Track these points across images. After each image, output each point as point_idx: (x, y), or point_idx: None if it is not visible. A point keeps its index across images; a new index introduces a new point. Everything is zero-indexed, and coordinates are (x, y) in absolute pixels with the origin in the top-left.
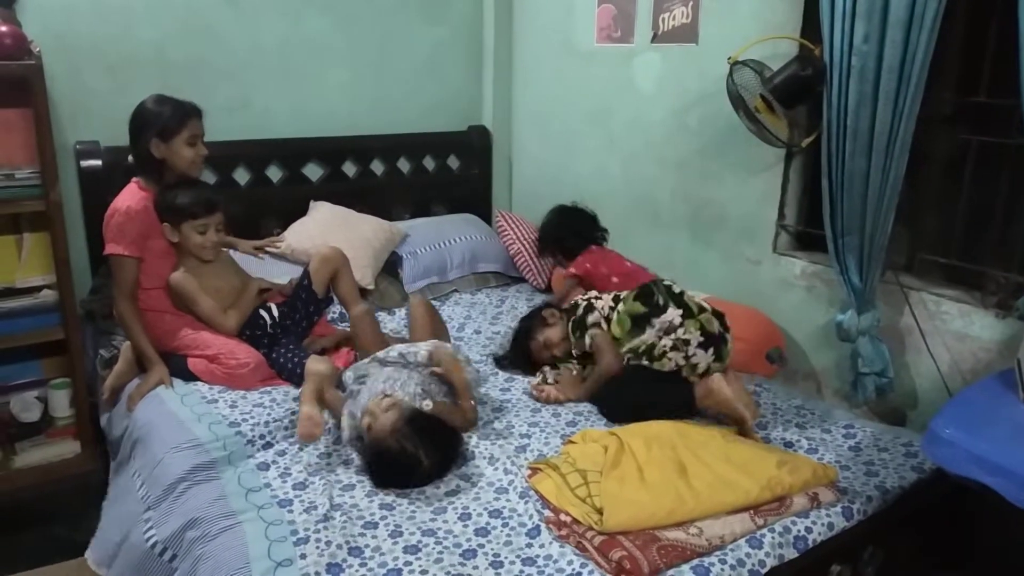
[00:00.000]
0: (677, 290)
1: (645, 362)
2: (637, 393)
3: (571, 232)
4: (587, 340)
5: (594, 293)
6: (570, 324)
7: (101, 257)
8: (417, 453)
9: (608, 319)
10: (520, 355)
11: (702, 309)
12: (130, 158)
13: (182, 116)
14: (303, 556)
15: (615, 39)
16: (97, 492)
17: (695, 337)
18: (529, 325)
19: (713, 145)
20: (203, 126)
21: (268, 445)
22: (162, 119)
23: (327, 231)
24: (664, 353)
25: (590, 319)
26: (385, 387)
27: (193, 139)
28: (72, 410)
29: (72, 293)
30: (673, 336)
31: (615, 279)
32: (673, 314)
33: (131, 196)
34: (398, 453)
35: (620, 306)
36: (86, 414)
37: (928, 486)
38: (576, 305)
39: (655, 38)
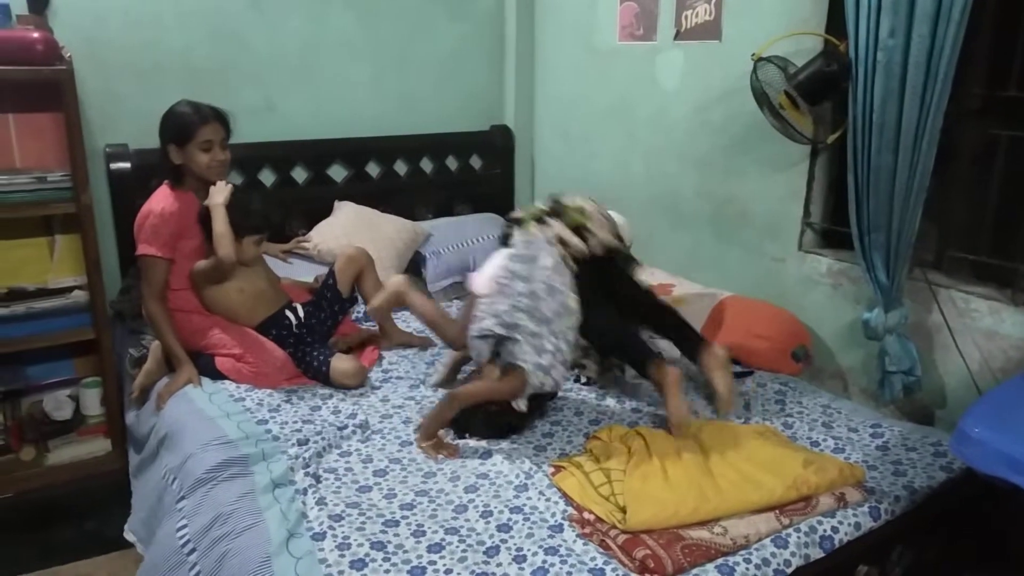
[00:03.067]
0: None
1: None
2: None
3: None
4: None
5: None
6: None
7: (130, 258)
8: None
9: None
10: None
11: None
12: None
13: (194, 123)
14: (321, 550)
15: (637, 37)
16: (127, 488)
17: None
18: None
19: (737, 142)
20: (223, 130)
21: (303, 442)
22: (176, 126)
23: (351, 231)
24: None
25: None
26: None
27: (207, 145)
28: (103, 408)
29: (103, 293)
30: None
31: None
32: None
33: (164, 198)
34: None
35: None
36: (116, 412)
37: (957, 486)
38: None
39: (678, 35)
